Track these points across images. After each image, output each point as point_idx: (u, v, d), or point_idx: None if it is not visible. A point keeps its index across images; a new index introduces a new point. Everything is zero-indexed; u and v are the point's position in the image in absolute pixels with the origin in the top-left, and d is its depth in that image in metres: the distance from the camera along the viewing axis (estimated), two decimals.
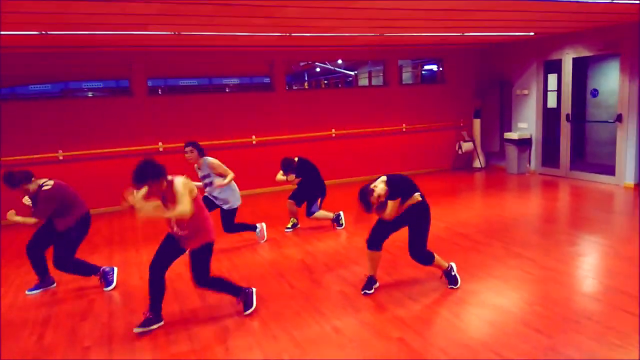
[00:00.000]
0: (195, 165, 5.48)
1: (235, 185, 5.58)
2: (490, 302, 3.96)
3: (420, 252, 4.19)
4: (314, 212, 6.18)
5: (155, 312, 3.77)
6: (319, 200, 6.25)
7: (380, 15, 5.80)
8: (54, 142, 7.75)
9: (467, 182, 9.40)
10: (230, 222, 5.63)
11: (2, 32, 5.56)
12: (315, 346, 3.41)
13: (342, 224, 6.36)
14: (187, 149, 5.35)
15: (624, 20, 7.40)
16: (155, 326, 3.74)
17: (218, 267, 4.96)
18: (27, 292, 4.66)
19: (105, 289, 4.65)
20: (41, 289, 4.71)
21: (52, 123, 7.71)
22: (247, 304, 3.96)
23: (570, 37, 8.60)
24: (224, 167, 5.42)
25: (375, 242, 4.22)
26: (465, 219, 6.52)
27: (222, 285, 3.95)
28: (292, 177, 6.07)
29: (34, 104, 7.94)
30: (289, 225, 6.37)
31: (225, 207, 5.53)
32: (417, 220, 4.16)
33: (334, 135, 9.35)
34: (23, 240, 6.51)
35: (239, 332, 3.67)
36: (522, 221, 6.43)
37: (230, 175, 5.39)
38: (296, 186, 6.23)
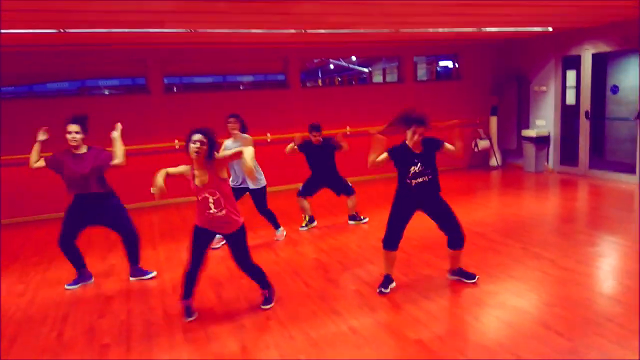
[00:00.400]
0: (231, 139, 5.52)
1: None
2: (509, 303, 3.90)
3: (460, 228, 4.15)
4: (301, 194, 6.19)
5: (266, 284, 4.01)
6: (320, 188, 6.24)
7: (397, 10, 5.75)
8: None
9: (483, 181, 9.29)
10: (263, 202, 5.69)
11: (20, 30, 5.62)
12: (332, 346, 3.39)
13: (305, 227, 6.26)
14: (231, 119, 5.49)
15: None
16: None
17: (233, 265, 4.97)
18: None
19: (66, 286, 4.64)
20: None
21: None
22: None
23: (589, 32, 8.43)
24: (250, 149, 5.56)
25: (391, 241, 4.17)
26: (482, 218, 6.45)
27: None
28: (298, 137, 6.08)
29: (52, 102, 8.03)
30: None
31: (256, 186, 5.55)
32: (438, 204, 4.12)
33: (348, 132, 9.29)
34: (41, 236, 6.65)
35: (256, 331, 3.68)
36: (540, 221, 6.33)
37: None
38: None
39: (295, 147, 6.07)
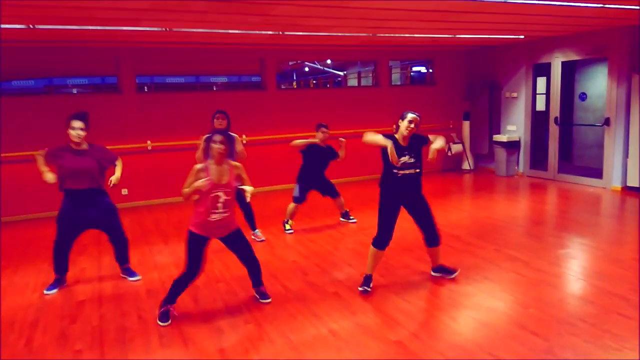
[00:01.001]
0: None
1: None
2: (485, 305, 3.96)
3: (436, 226, 4.36)
4: (299, 200, 6.16)
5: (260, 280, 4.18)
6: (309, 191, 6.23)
7: (373, 15, 5.79)
8: (40, 140, 7.55)
9: (456, 184, 9.44)
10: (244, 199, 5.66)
11: None
12: (312, 349, 3.37)
13: (288, 230, 6.24)
14: (219, 115, 5.58)
15: (612, 25, 7.50)
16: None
17: (211, 268, 4.89)
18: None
19: (45, 291, 4.53)
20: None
21: (37, 120, 7.54)
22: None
23: (559, 40, 8.69)
24: (241, 145, 5.69)
25: (383, 240, 4.22)
26: (456, 220, 6.54)
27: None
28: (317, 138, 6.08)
29: (19, 100, 7.77)
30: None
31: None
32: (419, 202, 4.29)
33: (343, 141, 9.29)
34: (6, 240, 6.40)
35: (234, 334, 3.62)
36: (512, 223, 6.47)
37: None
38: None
39: (308, 143, 6.02)
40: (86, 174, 4.32)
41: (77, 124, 4.28)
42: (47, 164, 4.36)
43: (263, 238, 5.91)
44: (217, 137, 3.75)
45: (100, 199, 4.50)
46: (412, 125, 4.10)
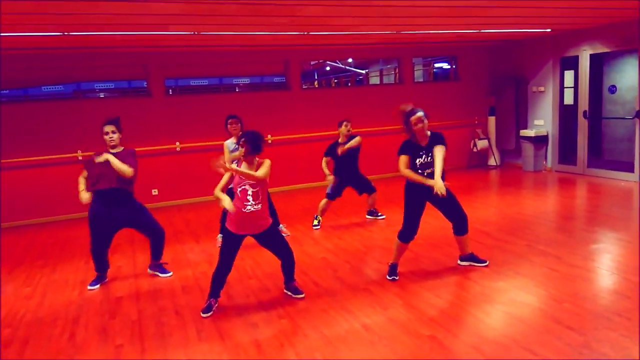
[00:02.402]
0: (232, 139, 5.63)
1: None
2: (519, 300, 3.94)
3: (464, 214, 4.47)
4: (327, 194, 6.28)
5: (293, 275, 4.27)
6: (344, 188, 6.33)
7: (399, 12, 5.80)
8: (73, 143, 7.80)
9: (483, 180, 9.36)
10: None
11: (24, 34, 5.61)
12: (346, 343, 3.41)
13: (315, 225, 6.36)
14: (232, 120, 5.66)
15: None
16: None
17: (242, 264, 4.99)
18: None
19: (88, 286, 4.73)
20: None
21: (69, 124, 7.77)
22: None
23: (587, 33, 8.53)
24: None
25: (408, 234, 4.40)
26: (485, 217, 6.50)
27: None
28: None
29: (51, 105, 8.03)
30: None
31: None
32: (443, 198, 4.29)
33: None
34: (44, 239, 6.63)
35: (269, 329, 3.69)
36: (542, 219, 6.39)
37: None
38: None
39: (345, 150, 6.09)
40: (112, 174, 4.40)
41: (109, 127, 4.48)
42: (85, 168, 4.58)
43: (288, 233, 6.01)
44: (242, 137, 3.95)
45: (128, 199, 4.63)
46: (420, 125, 4.18)
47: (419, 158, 4.22)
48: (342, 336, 3.51)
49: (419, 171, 4.24)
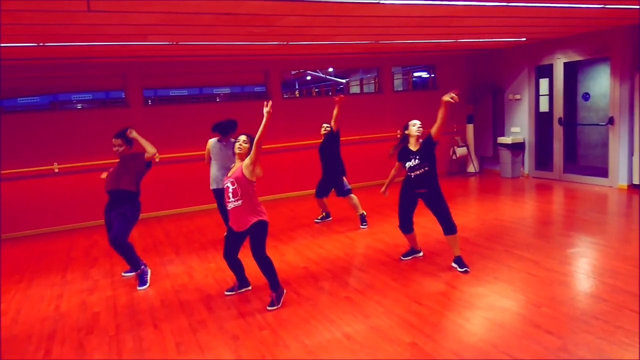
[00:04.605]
0: (216, 138, 6.29)
1: None
2: (498, 305, 3.99)
3: (451, 217, 4.81)
4: (348, 191, 6.54)
5: (274, 286, 4.22)
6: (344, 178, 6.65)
7: (375, 22, 5.87)
8: (49, 155, 7.67)
9: (462, 187, 9.47)
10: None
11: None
12: (328, 352, 3.40)
13: (366, 224, 6.62)
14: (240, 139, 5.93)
15: (613, 25, 7.55)
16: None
17: (222, 276, 4.95)
18: (122, 274, 5.22)
19: (138, 288, 4.85)
20: (134, 273, 5.01)
21: (47, 136, 7.64)
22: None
23: (561, 42, 8.75)
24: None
25: (404, 225, 4.98)
26: (464, 223, 6.56)
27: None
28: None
29: (26, 116, 7.88)
30: (319, 217, 7.03)
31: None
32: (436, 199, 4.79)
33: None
34: (18, 254, 6.47)
35: (250, 341, 3.65)
36: (520, 224, 6.49)
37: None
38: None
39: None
40: (113, 176, 4.85)
41: (116, 141, 4.93)
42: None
43: None
44: (241, 137, 4.20)
45: (123, 202, 4.83)
46: (419, 125, 4.90)
47: (408, 162, 4.74)
48: (324, 345, 3.50)
49: (409, 173, 4.75)
